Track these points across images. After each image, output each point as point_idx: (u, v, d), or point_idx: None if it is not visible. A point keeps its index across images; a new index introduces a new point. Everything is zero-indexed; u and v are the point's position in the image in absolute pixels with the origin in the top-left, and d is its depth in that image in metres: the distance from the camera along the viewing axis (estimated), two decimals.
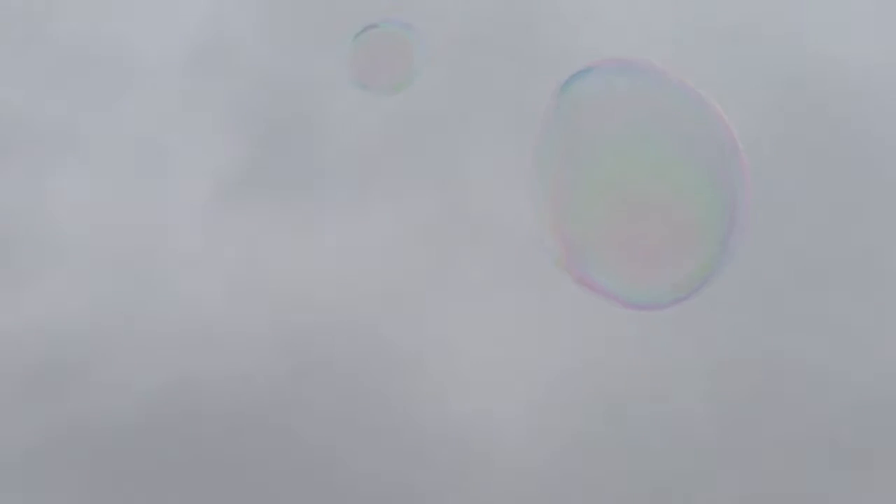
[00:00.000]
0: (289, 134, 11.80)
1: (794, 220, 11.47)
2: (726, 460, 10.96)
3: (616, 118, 4.39)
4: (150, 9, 11.58)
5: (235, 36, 11.91)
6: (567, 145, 4.44)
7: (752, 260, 11.78)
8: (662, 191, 4.26)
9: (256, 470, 10.84)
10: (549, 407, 11.31)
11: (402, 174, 11.91)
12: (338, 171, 11.79)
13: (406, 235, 11.70)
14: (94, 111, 11.41)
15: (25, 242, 11.01)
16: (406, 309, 11.43)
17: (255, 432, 10.94)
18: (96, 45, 11.42)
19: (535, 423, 11.13)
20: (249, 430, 10.94)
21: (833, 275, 11.28)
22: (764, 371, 11.06)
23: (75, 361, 10.75)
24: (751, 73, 11.81)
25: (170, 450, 10.78)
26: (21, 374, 10.48)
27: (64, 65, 11.37)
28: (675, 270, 4.36)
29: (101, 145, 11.45)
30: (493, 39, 12.32)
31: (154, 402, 10.87)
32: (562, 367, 11.35)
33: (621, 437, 11.09)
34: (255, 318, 11.17)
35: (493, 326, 11.41)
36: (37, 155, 11.32)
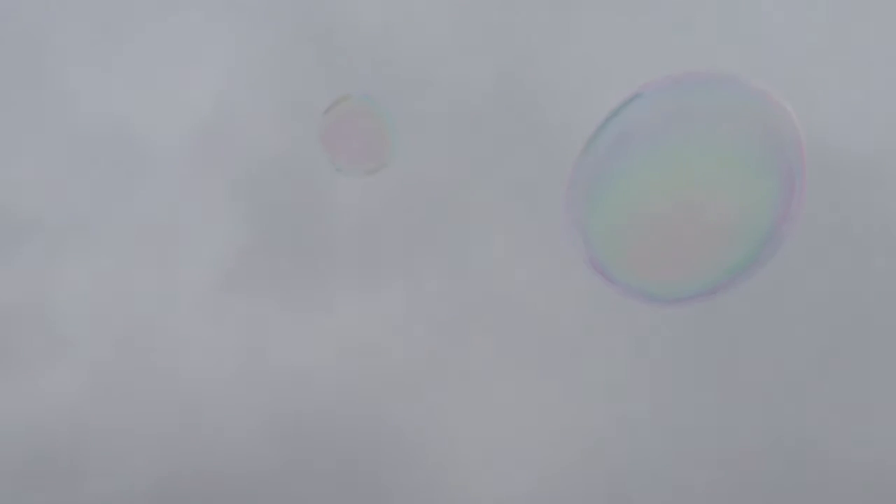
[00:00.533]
0: (291, 218, 11.87)
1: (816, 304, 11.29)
2: None
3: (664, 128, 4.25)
4: (154, 95, 11.76)
5: (239, 120, 12.05)
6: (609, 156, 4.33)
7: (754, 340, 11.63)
8: (702, 187, 4.13)
9: None
10: (552, 492, 11.12)
11: (406, 257, 11.91)
12: (340, 256, 11.81)
13: (408, 319, 11.66)
14: (98, 199, 11.57)
15: (29, 332, 11.15)
16: (407, 393, 11.36)
17: None
18: (99, 134, 11.61)
19: None
20: None
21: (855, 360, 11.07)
22: (776, 459, 10.80)
23: (77, 450, 10.80)
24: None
25: None
26: (21, 465, 10.55)
27: (67, 155, 11.57)
28: (700, 266, 4.23)
29: (105, 233, 11.59)
30: (498, 116, 12.35)
31: (156, 490, 10.86)
32: (565, 452, 11.17)
33: None
34: (256, 405, 11.16)
35: (496, 410, 11.29)
36: (40, 245, 11.49)
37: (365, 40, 12.33)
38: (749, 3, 12.09)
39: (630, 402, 11.09)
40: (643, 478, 10.81)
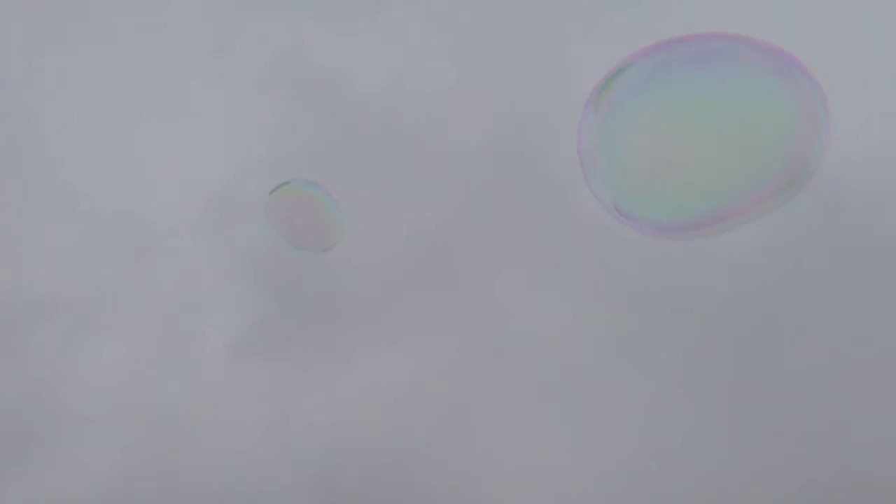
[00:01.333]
0: (302, 282, 11.92)
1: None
2: None
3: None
4: (161, 173, 11.96)
5: (244, 191, 12.21)
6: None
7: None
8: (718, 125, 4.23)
9: None
10: None
11: (420, 308, 11.88)
12: (353, 314, 11.82)
13: (429, 373, 11.59)
14: (116, 280, 11.71)
15: (53, 412, 11.19)
16: (434, 447, 11.23)
17: None
18: (110, 215, 11.80)
19: None
20: None
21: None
22: (814, 496, 10.52)
23: None
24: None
25: None
26: None
27: (80, 238, 11.75)
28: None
29: (121, 312, 11.71)
30: (499, 165, 12.40)
31: None
32: (600, 491, 10.95)
33: None
34: (282, 469, 11.08)
35: (522, 459, 11.12)
36: (62, 326, 11.61)
37: (367, 103, 12.50)
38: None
39: (665, 438, 10.91)
40: None
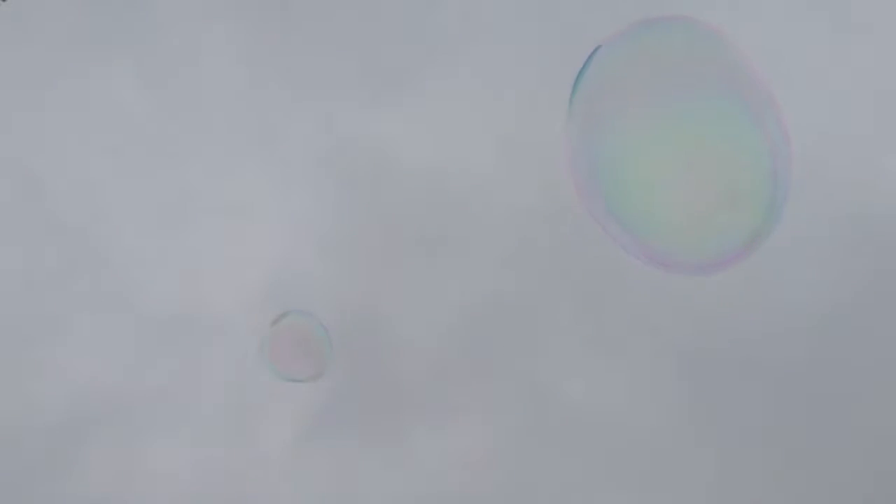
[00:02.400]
0: (364, 365, 12.02)
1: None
2: None
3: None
4: (212, 266, 12.24)
5: (296, 279, 12.43)
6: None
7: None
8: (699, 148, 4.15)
9: None
10: None
11: (478, 386, 11.90)
12: (414, 395, 11.87)
13: (491, 451, 11.55)
14: (173, 376, 11.93)
15: None
16: None
17: None
18: (172, 311, 12.07)
19: None
20: None
21: None
22: None
23: None
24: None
25: None
26: None
27: (146, 335, 12.02)
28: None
29: (185, 407, 11.90)
30: (546, 236, 12.49)
31: None
32: None
33: None
34: None
35: None
36: (127, 423, 11.81)
37: (414, 184, 12.73)
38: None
39: None
40: None
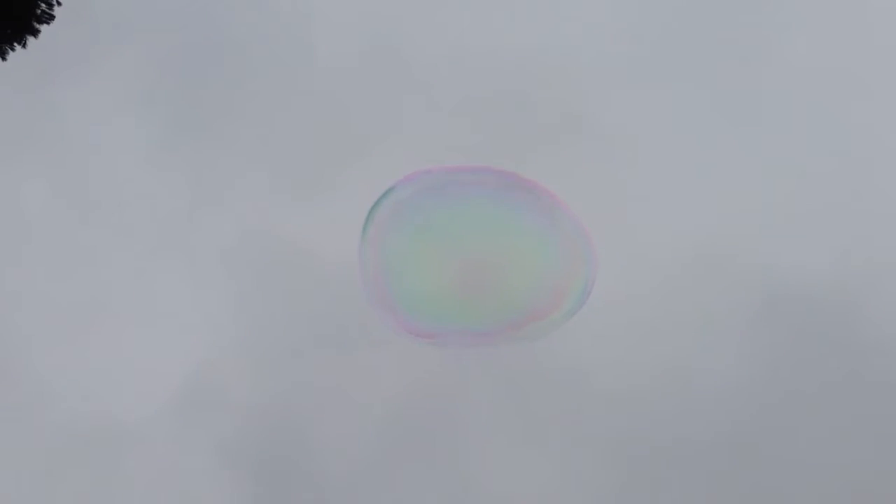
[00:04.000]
0: (285, 467, 11.83)
1: None
2: None
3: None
4: (132, 371, 11.98)
5: (219, 379, 12.24)
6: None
7: None
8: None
9: None
10: None
11: (403, 485, 11.79)
12: (339, 494, 11.71)
13: None
14: (95, 486, 11.54)
15: None
16: None
17: None
18: (81, 426, 11.69)
19: None
20: None
21: None
22: None
23: None
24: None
25: None
26: None
27: (51, 455, 11.54)
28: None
29: None
30: None
31: None
32: None
33: None
34: None
35: None
36: None
37: (330, 274, 12.73)
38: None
39: None
40: None
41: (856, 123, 12.73)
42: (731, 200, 12.55)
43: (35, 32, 7.92)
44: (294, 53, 12.94)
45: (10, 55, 8.08)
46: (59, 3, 8.08)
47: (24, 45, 7.92)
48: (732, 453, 12.10)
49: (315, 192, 13.12)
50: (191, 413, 12.25)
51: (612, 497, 11.73)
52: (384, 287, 5.02)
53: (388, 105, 13.19)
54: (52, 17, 7.98)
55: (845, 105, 12.78)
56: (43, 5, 7.98)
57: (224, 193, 13.02)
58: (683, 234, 12.22)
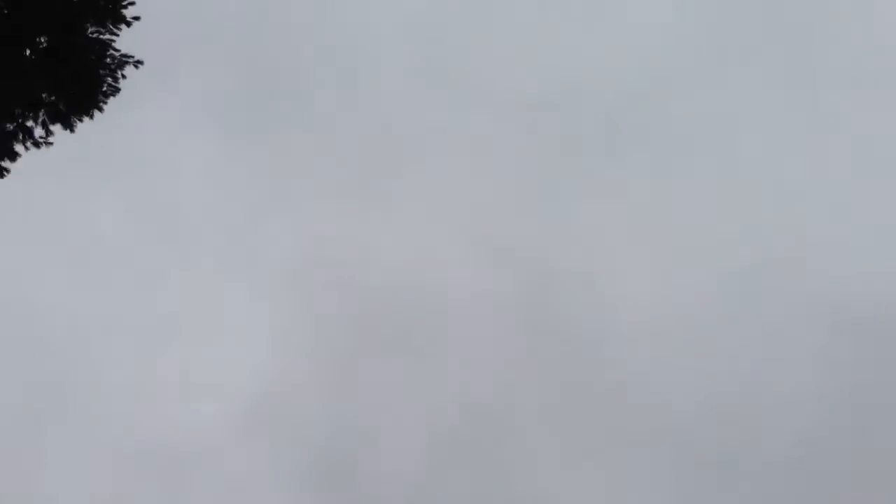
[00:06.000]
0: (345, 477, 12.29)
1: None
2: None
3: None
4: (201, 390, 12.47)
5: (284, 393, 12.68)
6: None
7: None
8: None
9: None
10: None
11: (465, 496, 12.17)
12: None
13: None
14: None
15: None
16: None
17: None
18: (154, 442, 12.24)
19: None
20: None
21: None
22: None
23: None
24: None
25: None
26: None
27: (119, 472, 12.12)
28: None
29: None
30: (520, 334, 12.80)
31: None
32: None
33: None
34: None
35: None
36: None
37: (385, 288, 13.00)
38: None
39: None
40: None
41: None
42: (807, 215, 12.48)
43: (101, 108, 8.17)
44: (354, 72, 13.03)
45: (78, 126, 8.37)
46: (124, 77, 8.31)
47: (91, 117, 8.20)
48: (803, 468, 12.23)
49: (374, 202, 13.41)
50: (257, 425, 12.77)
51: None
52: None
53: (443, 117, 13.29)
54: (117, 90, 8.21)
55: None
56: (109, 79, 8.20)
57: (290, 203, 13.38)
58: (758, 249, 12.19)
